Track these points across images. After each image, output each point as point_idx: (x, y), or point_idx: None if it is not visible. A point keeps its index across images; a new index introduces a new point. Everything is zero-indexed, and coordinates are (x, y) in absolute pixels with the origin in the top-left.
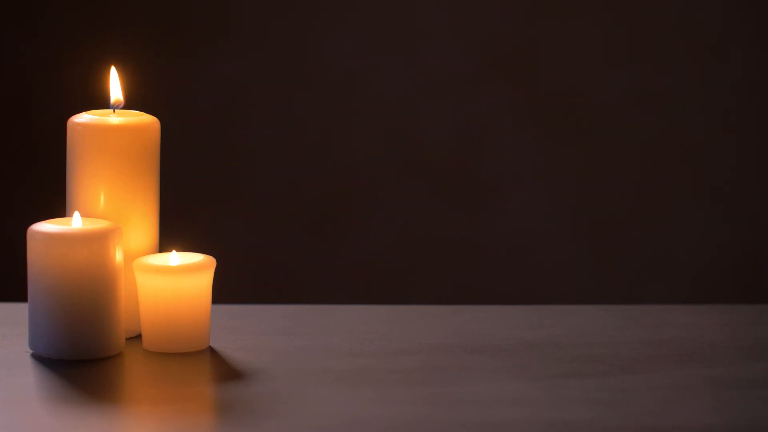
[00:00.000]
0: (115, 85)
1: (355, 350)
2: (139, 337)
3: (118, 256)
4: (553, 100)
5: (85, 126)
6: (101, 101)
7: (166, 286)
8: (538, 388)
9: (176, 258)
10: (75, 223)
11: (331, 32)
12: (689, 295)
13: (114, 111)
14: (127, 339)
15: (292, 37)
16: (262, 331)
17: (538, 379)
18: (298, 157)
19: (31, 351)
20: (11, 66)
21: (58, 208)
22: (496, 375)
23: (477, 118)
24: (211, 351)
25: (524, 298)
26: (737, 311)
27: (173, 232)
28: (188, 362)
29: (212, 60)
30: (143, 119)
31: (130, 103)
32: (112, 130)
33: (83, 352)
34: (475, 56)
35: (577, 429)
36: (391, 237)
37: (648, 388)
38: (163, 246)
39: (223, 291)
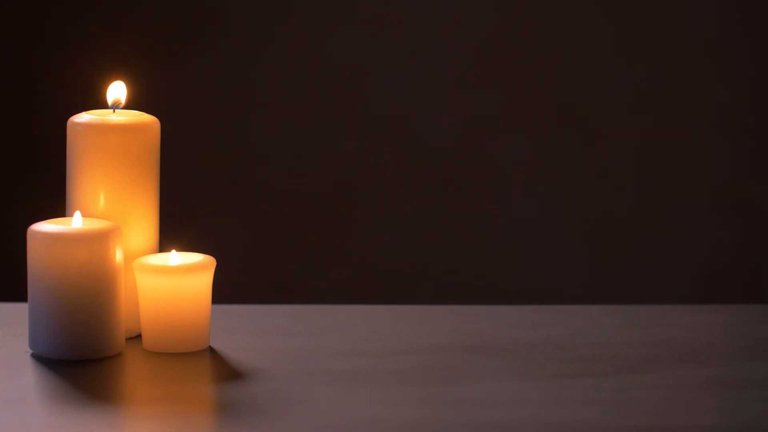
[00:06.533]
0: (119, 92)
1: (355, 350)
2: (139, 337)
3: (118, 256)
4: (553, 99)
5: (85, 126)
6: (101, 101)
7: (166, 286)
8: (538, 388)
9: (176, 258)
10: (75, 223)
11: (331, 32)
12: (689, 295)
13: (114, 111)
14: (127, 339)
15: (293, 37)
16: (262, 331)
17: (538, 379)
18: (298, 156)
19: (31, 351)
20: (12, 66)
21: (58, 208)
22: (496, 375)
23: (477, 118)
24: (211, 351)
25: (524, 298)
26: (737, 311)
27: (173, 232)
28: (188, 362)
29: (212, 60)
30: (143, 119)
31: (131, 103)
32: (112, 130)
33: (83, 352)
34: (476, 56)
35: (577, 429)
36: (391, 237)
37: (648, 388)
38: (163, 246)
39: (223, 291)
